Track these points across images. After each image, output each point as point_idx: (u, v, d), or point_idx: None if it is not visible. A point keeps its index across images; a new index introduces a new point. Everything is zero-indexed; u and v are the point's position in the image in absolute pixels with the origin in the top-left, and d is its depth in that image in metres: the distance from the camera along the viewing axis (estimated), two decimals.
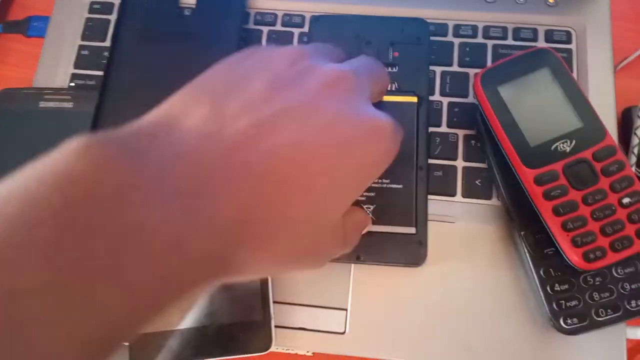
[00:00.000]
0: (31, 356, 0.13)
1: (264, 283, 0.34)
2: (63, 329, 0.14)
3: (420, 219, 0.34)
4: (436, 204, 0.36)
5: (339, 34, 0.39)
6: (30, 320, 0.13)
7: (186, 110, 0.21)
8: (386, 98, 0.35)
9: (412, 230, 0.34)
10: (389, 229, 0.34)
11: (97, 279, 0.14)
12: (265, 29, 0.42)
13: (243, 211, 0.18)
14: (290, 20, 0.42)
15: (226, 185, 0.18)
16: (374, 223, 0.34)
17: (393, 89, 0.37)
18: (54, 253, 0.14)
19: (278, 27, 0.42)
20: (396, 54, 0.38)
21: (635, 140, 0.37)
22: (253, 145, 0.19)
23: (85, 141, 0.16)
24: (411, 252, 0.34)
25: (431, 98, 0.39)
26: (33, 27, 0.44)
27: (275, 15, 0.42)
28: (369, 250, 0.34)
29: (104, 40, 0.42)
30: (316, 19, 0.40)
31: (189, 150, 0.18)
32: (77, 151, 0.16)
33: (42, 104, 0.39)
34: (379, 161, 0.23)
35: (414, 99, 0.36)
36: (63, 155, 0.16)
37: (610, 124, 0.37)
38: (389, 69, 0.38)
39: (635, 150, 0.37)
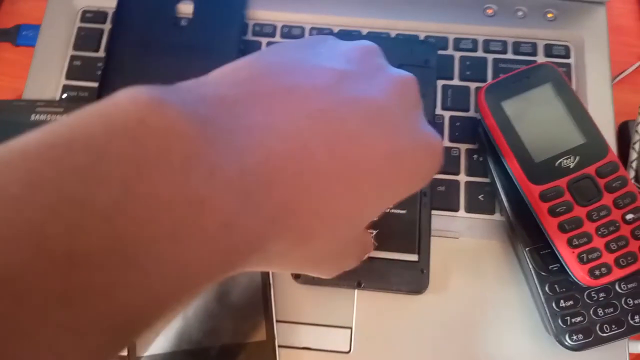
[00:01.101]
0: (77, 327, 0.12)
1: (267, 302, 0.33)
2: (115, 298, 0.13)
3: (423, 246, 0.34)
4: (439, 219, 0.36)
5: None
6: (85, 287, 0.12)
7: (256, 78, 0.19)
8: None
9: (415, 257, 0.34)
10: (391, 256, 0.34)
11: (153, 250, 0.13)
12: (264, 40, 0.41)
13: (291, 201, 0.17)
14: (290, 31, 0.41)
15: (282, 171, 0.17)
16: (375, 249, 0.34)
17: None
18: (115, 214, 0.13)
19: (277, 38, 0.41)
20: None
21: (633, 155, 0.38)
22: (314, 132, 0.18)
23: (157, 96, 0.15)
24: (413, 280, 0.34)
25: None
26: (23, 36, 0.43)
27: (274, 27, 0.41)
28: (371, 276, 0.34)
29: (96, 50, 0.41)
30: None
31: (254, 126, 0.17)
32: (148, 105, 0.14)
33: (34, 117, 0.38)
34: (424, 177, 0.23)
35: None
36: (133, 107, 0.14)
37: (609, 137, 0.37)
38: None
39: (634, 165, 0.38)
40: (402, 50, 0.38)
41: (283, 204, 0.17)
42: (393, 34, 0.41)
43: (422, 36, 0.41)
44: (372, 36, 0.40)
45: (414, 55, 0.38)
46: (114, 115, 0.14)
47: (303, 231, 0.18)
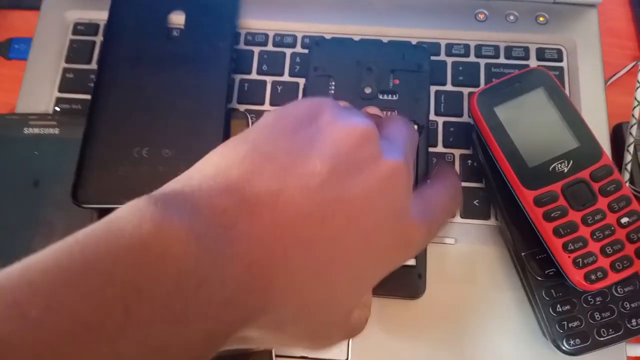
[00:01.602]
0: None
1: None
2: None
3: (420, 254, 0.34)
4: None
5: (339, 59, 0.38)
6: None
7: (244, 182, 0.20)
8: None
9: (412, 262, 0.34)
10: None
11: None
12: (256, 50, 0.41)
13: (268, 302, 0.19)
14: (282, 40, 0.41)
15: (261, 278, 0.19)
16: None
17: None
18: (117, 337, 0.15)
19: (269, 47, 0.41)
20: (396, 81, 0.37)
21: (627, 157, 0.38)
22: (294, 237, 0.19)
23: (158, 219, 0.17)
24: (410, 285, 0.34)
25: None
26: (14, 49, 0.43)
27: (267, 36, 0.41)
28: None
29: (89, 62, 0.41)
30: (316, 43, 0.39)
31: (240, 237, 0.18)
32: (151, 232, 0.16)
33: (27, 130, 0.38)
34: (401, 263, 0.24)
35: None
36: (137, 232, 0.16)
37: (603, 140, 0.37)
38: (390, 97, 0.37)
39: (629, 167, 0.38)
40: (395, 56, 0.38)
41: (260, 307, 0.19)
42: (385, 40, 0.41)
43: (414, 42, 0.41)
44: (362, 42, 0.40)
45: (406, 60, 0.38)
46: (121, 241, 0.16)
47: (279, 324, 0.20)
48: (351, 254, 0.21)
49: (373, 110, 0.30)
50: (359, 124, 0.22)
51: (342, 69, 0.38)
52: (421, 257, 0.34)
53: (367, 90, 0.37)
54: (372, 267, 0.22)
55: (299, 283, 0.20)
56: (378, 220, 0.22)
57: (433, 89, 0.39)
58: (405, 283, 0.34)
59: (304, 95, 0.39)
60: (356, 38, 0.41)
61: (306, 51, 0.41)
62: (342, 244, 0.21)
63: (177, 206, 0.18)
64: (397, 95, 0.37)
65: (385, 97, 0.37)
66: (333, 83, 0.37)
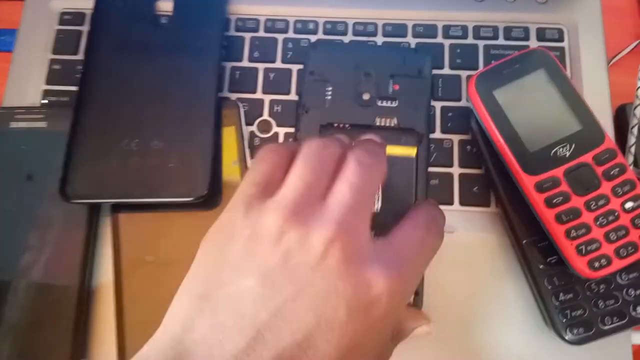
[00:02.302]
0: None
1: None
2: None
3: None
4: None
5: (336, 63, 0.37)
6: None
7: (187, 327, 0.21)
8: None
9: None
10: None
11: None
12: (247, 36, 0.40)
13: None
14: (274, 25, 0.40)
15: None
16: None
17: (392, 124, 0.35)
18: None
19: (261, 33, 0.40)
20: (396, 86, 0.36)
21: (631, 139, 0.37)
22: None
23: None
24: None
25: None
26: (0, 41, 0.42)
27: (258, 21, 0.40)
28: None
29: (76, 53, 0.40)
30: (314, 46, 0.38)
31: None
32: None
33: (14, 124, 0.37)
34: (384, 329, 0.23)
35: (412, 153, 0.34)
36: None
37: (606, 122, 0.36)
38: (389, 103, 0.36)
39: (632, 150, 0.37)
40: (394, 60, 0.37)
41: None
42: (380, 24, 0.39)
43: (410, 25, 0.39)
44: (361, 45, 0.39)
45: (406, 65, 0.37)
46: None
47: None
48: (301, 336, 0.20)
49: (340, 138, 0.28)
50: (275, 215, 0.22)
51: (339, 74, 0.36)
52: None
53: (365, 97, 0.36)
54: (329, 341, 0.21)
55: None
56: (328, 290, 0.21)
57: None
58: None
59: (300, 99, 0.37)
60: (350, 22, 0.40)
61: (299, 36, 0.40)
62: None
63: None
64: (397, 101, 0.36)
65: (384, 103, 0.36)
66: (330, 89, 0.36)
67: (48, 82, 0.40)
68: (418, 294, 0.32)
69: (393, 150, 0.34)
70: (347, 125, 0.35)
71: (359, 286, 0.21)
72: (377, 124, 0.35)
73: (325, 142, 0.25)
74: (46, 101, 0.39)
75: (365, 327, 0.21)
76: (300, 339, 0.20)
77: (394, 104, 0.36)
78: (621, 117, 0.38)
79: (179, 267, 0.33)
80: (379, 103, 0.36)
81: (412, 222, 0.26)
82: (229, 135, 0.36)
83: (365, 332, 0.21)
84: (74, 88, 0.38)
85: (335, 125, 0.35)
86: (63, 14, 0.41)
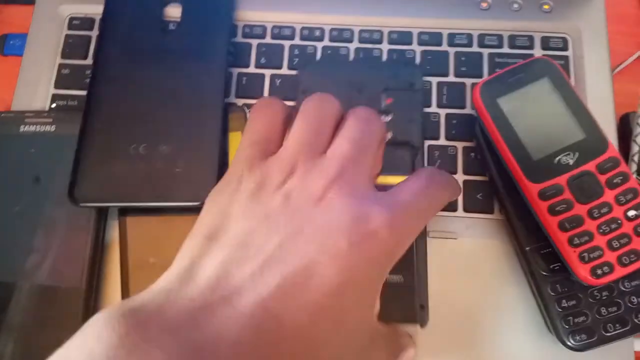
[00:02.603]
0: None
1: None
2: None
3: (420, 283, 0.32)
4: (437, 220, 0.35)
5: (328, 80, 0.37)
6: None
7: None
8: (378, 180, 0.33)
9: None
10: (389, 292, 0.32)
11: None
12: (254, 42, 0.40)
13: None
14: (280, 32, 0.40)
15: None
16: None
17: (387, 138, 0.35)
18: None
19: (268, 39, 0.40)
20: (389, 100, 0.36)
21: (635, 148, 0.37)
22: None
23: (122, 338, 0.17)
24: (413, 315, 0.32)
25: (428, 110, 0.38)
26: (10, 46, 0.42)
27: (265, 28, 0.41)
28: None
29: (85, 57, 0.41)
30: (303, 65, 0.38)
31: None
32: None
33: (23, 128, 0.37)
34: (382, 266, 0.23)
35: None
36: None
37: (610, 130, 0.37)
38: (383, 118, 0.36)
39: (636, 158, 0.37)
40: (386, 74, 0.37)
41: None
42: (386, 31, 0.40)
43: (415, 32, 0.40)
44: (352, 62, 0.39)
45: (398, 79, 0.37)
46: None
47: None
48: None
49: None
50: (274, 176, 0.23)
51: (332, 91, 0.36)
52: (422, 287, 0.32)
53: None
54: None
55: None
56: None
57: (435, 80, 0.38)
58: (407, 313, 0.32)
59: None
60: (356, 29, 0.40)
61: (305, 43, 0.40)
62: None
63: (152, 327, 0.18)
64: (391, 116, 0.36)
65: None
66: None
67: (57, 86, 0.40)
68: (424, 307, 0.32)
69: (387, 179, 0.33)
70: None
71: (359, 219, 0.21)
72: None
73: (323, 97, 0.26)
74: (55, 105, 0.39)
75: (366, 258, 0.21)
76: (303, 268, 0.20)
77: (388, 118, 0.36)
78: (625, 126, 0.38)
79: None
80: None
81: (414, 175, 0.26)
82: (235, 141, 0.37)
83: (365, 264, 0.21)
84: (82, 92, 0.39)
85: None
86: (72, 19, 0.42)
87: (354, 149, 0.24)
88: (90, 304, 0.34)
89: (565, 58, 0.39)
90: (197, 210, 0.34)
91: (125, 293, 0.34)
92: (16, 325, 0.33)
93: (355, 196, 0.22)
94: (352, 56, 0.40)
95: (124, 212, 0.35)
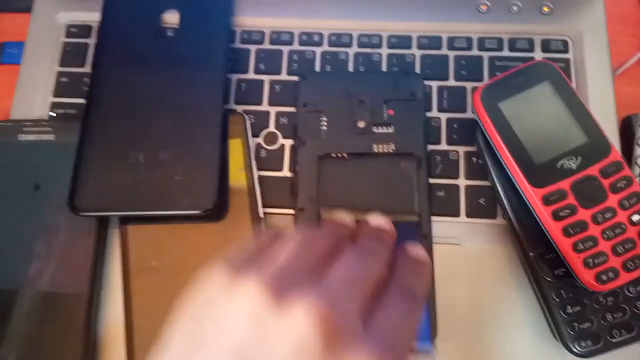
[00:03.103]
0: None
1: None
2: None
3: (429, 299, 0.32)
4: (440, 225, 0.35)
5: (329, 93, 0.37)
6: None
7: None
8: None
9: None
10: None
11: None
12: (253, 48, 0.40)
13: None
14: (279, 37, 0.40)
15: None
16: None
17: (390, 150, 0.35)
18: None
19: (266, 45, 0.40)
20: (391, 111, 0.36)
21: (638, 151, 0.37)
22: None
23: None
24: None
25: (429, 114, 0.38)
26: (7, 54, 0.42)
27: (263, 33, 0.40)
28: None
29: (83, 65, 0.41)
30: (304, 77, 0.38)
31: None
32: None
33: (22, 137, 0.37)
34: None
35: (414, 218, 0.33)
36: None
37: (612, 133, 0.36)
38: (385, 129, 0.36)
39: (639, 161, 0.37)
40: (387, 85, 0.37)
41: None
42: (385, 35, 0.40)
43: (414, 36, 0.39)
44: (352, 74, 0.39)
45: (399, 89, 0.37)
46: None
47: None
48: None
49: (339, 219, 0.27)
50: (250, 304, 0.20)
51: (333, 103, 0.37)
52: (430, 303, 0.32)
53: (361, 125, 0.36)
54: None
55: None
56: None
57: (435, 84, 0.38)
58: None
59: (295, 131, 0.37)
60: (355, 34, 0.40)
61: (304, 48, 0.40)
62: None
63: None
64: (393, 127, 0.36)
65: (380, 129, 0.36)
66: (324, 118, 0.36)
67: (55, 95, 0.40)
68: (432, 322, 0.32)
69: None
70: (344, 155, 0.35)
71: None
72: (375, 150, 0.35)
73: (320, 232, 0.25)
74: (54, 114, 0.39)
75: None
76: None
77: (390, 129, 0.36)
78: (627, 128, 0.38)
79: (187, 275, 0.33)
80: (375, 129, 0.36)
81: (385, 303, 0.23)
82: (235, 147, 0.36)
83: None
84: (81, 100, 0.39)
85: (333, 155, 0.35)
86: (70, 26, 0.42)
87: (348, 276, 0.22)
88: (92, 311, 0.34)
89: (566, 60, 0.38)
90: (198, 218, 0.34)
91: (127, 300, 0.33)
92: (19, 333, 0.33)
93: (337, 341, 0.19)
94: (351, 61, 0.39)
95: (124, 220, 0.35)
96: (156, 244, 0.35)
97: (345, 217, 0.27)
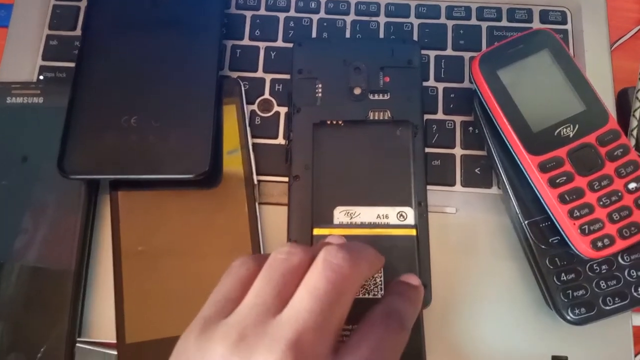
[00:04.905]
0: None
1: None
2: None
3: (424, 264, 0.32)
4: (436, 195, 0.35)
5: (324, 59, 0.36)
6: None
7: None
8: (381, 232, 0.32)
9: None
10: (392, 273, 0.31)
11: None
12: (248, 14, 0.39)
13: None
14: (275, 3, 0.39)
15: None
16: None
17: (386, 117, 0.35)
18: None
19: (262, 11, 0.39)
20: (387, 79, 0.36)
21: (634, 123, 0.37)
22: None
23: None
24: None
25: (426, 84, 0.37)
26: None
27: None
28: None
29: (73, 29, 0.39)
30: (299, 43, 0.37)
31: None
32: None
33: (10, 100, 0.36)
34: None
35: (413, 232, 0.32)
36: None
37: (608, 105, 0.36)
38: (381, 96, 0.35)
39: (634, 133, 0.37)
40: (383, 52, 0.36)
41: None
42: (383, 3, 0.39)
43: (413, 5, 0.39)
44: (348, 40, 0.38)
45: (395, 56, 0.36)
46: None
47: None
48: None
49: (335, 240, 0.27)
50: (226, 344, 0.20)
51: (328, 70, 0.36)
52: (425, 266, 0.32)
53: (357, 91, 0.35)
54: None
55: None
56: None
57: (433, 53, 0.38)
58: None
59: (290, 99, 0.36)
60: (342, 31, 0.39)
61: (301, 15, 0.39)
62: None
63: None
64: (389, 94, 0.35)
65: (376, 97, 0.35)
66: (320, 85, 0.36)
67: (44, 58, 0.39)
68: (426, 286, 0.32)
69: (392, 231, 0.32)
70: (340, 122, 0.35)
71: None
72: (370, 117, 0.35)
73: (291, 250, 0.23)
74: (42, 77, 0.38)
75: None
76: None
77: (386, 97, 0.35)
78: (623, 101, 0.38)
79: (178, 245, 0.33)
80: (371, 97, 0.35)
81: (368, 322, 0.24)
82: (229, 114, 0.36)
83: None
84: (71, 64, 0.38)
85: (328, 122, 0.35)
86: None
87: (316, 304, 0.21)
88: (81, 286, 0.33)
89: (565, 32, 0.38)
90: (191, 183, 0.33)
91: (118, 271, 0.33)
92: (5, 307, 0.32)
93: None
94: (348, 29, 0.39)
95: (115, 186, 0.34)
96: (148, 213, 0.34)
97: (336, 240, 0.26)
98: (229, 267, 0.24)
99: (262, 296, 0.22)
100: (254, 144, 0.35)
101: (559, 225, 0.30)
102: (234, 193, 0.34)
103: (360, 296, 0.30)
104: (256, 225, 0.34)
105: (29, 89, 0.36)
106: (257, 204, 0.34)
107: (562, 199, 0.30)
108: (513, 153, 0.32)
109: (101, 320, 0.33)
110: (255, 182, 0.34)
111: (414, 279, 0.28)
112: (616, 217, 0.30)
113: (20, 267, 0.33)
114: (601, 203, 0.30)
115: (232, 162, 0.35)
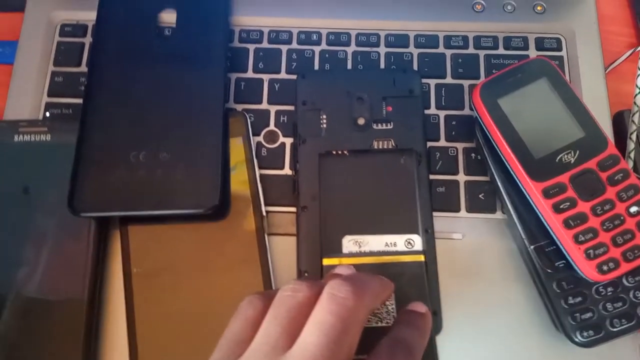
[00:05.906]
0: None
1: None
2: None
3: (433, 291, 0.33)
4: (442, 221, 0.35)
5: (328, 91, 0.37)
6: None
7: None
8: (390, 259, 0.32)
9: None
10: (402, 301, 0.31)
11: None
12: (251, 47, 0.40)
13: None
14: (277, 36, 0.40)
15: None
16: None
17: (390, 146, 0.36)
18: None
19: (265, 44, 0.40)
20: (389, 108, 0.37)
21: (631, 145, 0.38)
22: None
23: None
24: None
25: (427, 112, 0.38)
26: (0, 54, 0.41)
27: (261, 32, 0.40)
28: None
29: (78, 65, 0.40)
30: (303, 75, 0.38)
31: None
32: None
33: (17, 138, 0.36)
34: None
35: (421, 258, 0.32)
36: None
37: (605, 129, 0.37)
38: (384, 125, 0.36)
39: (632, 155, 0.37)
40: (385, 82, 0.37)
41: None
42: (382, 34, 0.40)
43: (412, 35, 0.40)
44: (350, 72, 0.39)
45: (397, 86, 0.37)
46: None
47: None
48: None
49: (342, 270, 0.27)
50: None
51: (332, 101, 0.37)
52: (435, 294, 0.33)
53: (360, 122, 0.36)
54: None
55: None
56: None
57: (433, 82, 0.39)
58: None
59: (295, 130, 0.37)
60: (353, 33, 0.40)
61: (303, 47, 0.40)
62: None
63: None
64: (392, 123, 0.36)
65: (380, 126, 0.36)
66: (324, 116, 0.36)
67: (50, 95, 0.39)
68: (437, 314, 0.32)
69: (400, 258, 0.32)
70: (345, 152, 0.35)
71: None
72: (375, 146, 0.36)
73: (295, 287, 0.24)
74: (49, 114, 0.39)
75: None
76: None
77: (390, 126, 0.36)
78: (619, 124, 0.39)
79: (189, 277, 0.33)
80: (375, 126, 0.36)
81: (375, 353, 0.24)
82: (236, 146, 0.36)
83: None
84: (76, 100, 0.38)
85: (334, 152, 0.35)
86: (63, 25, 0.41)
87: (323, 338, 0.21)
88: (93, 318, 0.33)
89: (560, 58, 0.39)
90: (200, 217, 0.34)
91: (129, 302, 0.33)
92: (15, 340, 0.32)
93: None
94: (350, 60, 0.40)
95: (125, 221, 0.35)
96: (158, 246, 0.34)
97: (344, 270, 0.27)
98: (238, 308, 0.25)
99: (270, 335, 0.22)
100: (261, 175, 0.36)
101: (565, 250, 0.31)
102: (243, 224, 0.35)
103: (374, 324, 0.30)
104: (266, 255, 0.34)
105: (36, 126, 0.37)
106: (266, 235, 0.34)
107: (567, 224, 0.31)
108: (516, 179, 0.33)
109: (114, 352, 0.33)
110: (264, 213, 0.35)
111: (420, 307, 0.28)
112: (620, 241, 0.30)
113: (31, 300, 0.33)
114: (605, 227, 0.31)
115: (241, 194, 0.35)
